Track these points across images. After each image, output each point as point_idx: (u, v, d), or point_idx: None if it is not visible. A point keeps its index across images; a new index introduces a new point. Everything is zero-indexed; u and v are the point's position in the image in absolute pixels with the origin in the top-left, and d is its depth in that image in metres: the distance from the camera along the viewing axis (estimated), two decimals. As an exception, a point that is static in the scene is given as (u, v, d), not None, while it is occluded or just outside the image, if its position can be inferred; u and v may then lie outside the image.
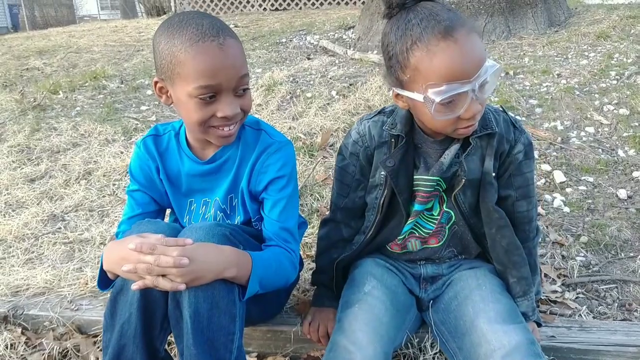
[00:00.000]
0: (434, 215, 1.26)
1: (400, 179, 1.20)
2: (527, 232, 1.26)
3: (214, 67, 1.02)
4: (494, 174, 1.17)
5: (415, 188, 1.23)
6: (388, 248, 1.33)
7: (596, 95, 2.89)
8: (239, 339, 1.06)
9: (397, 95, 1.11)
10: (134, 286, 0.98)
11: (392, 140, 1.20)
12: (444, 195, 1.23)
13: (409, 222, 1.26)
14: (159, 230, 1.04)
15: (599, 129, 2.59)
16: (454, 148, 1.18)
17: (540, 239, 1.29)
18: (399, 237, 1.30)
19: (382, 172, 1.21)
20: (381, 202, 1.24)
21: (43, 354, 1.41)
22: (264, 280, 1.09)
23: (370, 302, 1.18)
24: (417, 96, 1.04)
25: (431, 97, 1.01)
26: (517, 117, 2.73)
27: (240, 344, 1.07)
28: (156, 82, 1.11)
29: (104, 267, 1.06)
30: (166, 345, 1.39)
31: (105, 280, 1.09)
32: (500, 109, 1.22)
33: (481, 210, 1.21)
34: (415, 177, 1.22)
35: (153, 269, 0.95)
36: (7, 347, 1.43)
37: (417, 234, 1.29)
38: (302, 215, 1.91)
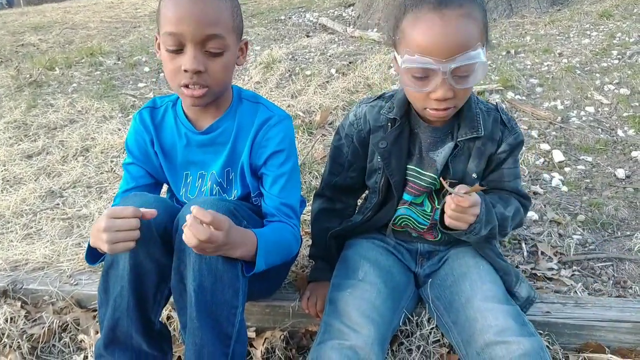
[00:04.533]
0: (426, 212, 1.28)
1: (393, 161, 1.21)
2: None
3: (178, 14, 1.02)
4: (475, 176, 1.19)
5: (408, 177, 1.23)
6: (390, 226, 1.34)
7: (597, 75, 2.87)
8: (241, 313, 1.07)
9: (394, 59, 1.12)
10: None
11: (389, 123, 1.20)
12: (434, 195, 1.25)
13: (398, 207, 1.27)
14: (145, 202, 1.05)
15: (599, 109, 2.58)
16: (448, 147, 1.19)
17: (524, 215, 1.28)
18: (394, 222, 1.31)
19: (379, 157, 1.22)
20: (380, 185, 1.25)
21: (43, 328, 1.42)
22: (268, 258, 1.09)
23: (362, 287, 1.19)
24: (399, 60, 1.06)
25: (403, 64, 1.03)
26: (518, 97, 2.72)
27: (243, 317, 1.08)
28: (156, 38, 1.12)
29: (91, 243, 1.05)
30: (165, 320, 1.41)
31: (93, 255, 1.08)
32: (494, 106, 1.22)
33: None
34: (409, 166, 1.22)
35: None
36: (7, 321, 1.44)
37: (411, 227, 1.31)
38: (301, 193, 1.92)
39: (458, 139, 1.17)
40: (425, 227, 1.29)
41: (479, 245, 1.25)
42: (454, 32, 0.99)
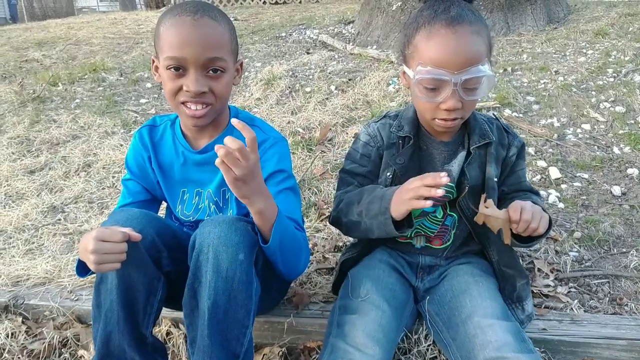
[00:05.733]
0: (437, 218, 1.30)
1: (409, 177, 1.22)
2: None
3: (181, 39, 1.06)
4: (495, 179, 1.24)
5: None
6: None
7: (593, 93, 2.91)
8: (251, 333, 1.08)
9: (403, 73, 1.19)
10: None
11: (400, 141, 1.25)
12: (447, 202, 1.28)
13: (416, 221, 1.29)
14: (130, 217, 1.09)
15: (595, 126, 2.61)
16: (461, 156, 1.24)
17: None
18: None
19: (389, 173, 1.25)
20: None
21: (43, 343, 1.43)
22: (283, 236, 1.08)
23: (367, 308, 1.20)
24: (411, 73, 1.13)
25: (416, 76, 1.10)
26: (515, 114, 2.75)
27: (251, 337, 1.10)
28: (153, 61, 1.17)
29: (80, 257, 1.07)
30: (165, 336, 1.42)
31: (83, 267, 1.09)
32: (494, 116, 1.31)
33: None
34: None
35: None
36: (7, 336, 1.45)
37: (422, 233, 1.33)
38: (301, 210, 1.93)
39: (471, 147, 1.23)
40: (435, 231, 1.31)
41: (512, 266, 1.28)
42: (465, 47, 1.08)
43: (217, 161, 0.93)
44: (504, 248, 1.28)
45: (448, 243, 1.33)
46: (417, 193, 1.04)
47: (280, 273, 1.16)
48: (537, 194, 1.34)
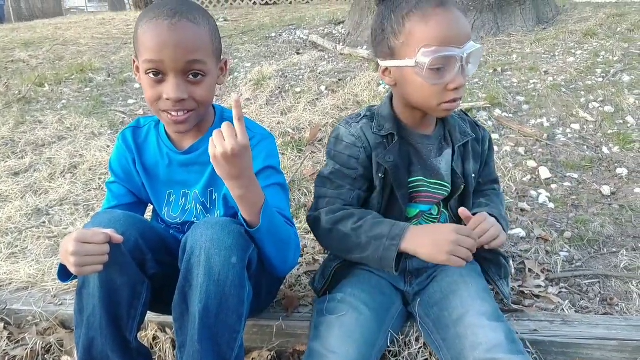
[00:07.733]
0: (433, 215, 1.30)
1: (401, 174, 1.22)
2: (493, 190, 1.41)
3: (158, 43, 1.03)
4: (474, 175, 1.27)
5: (417, 189, 1.25)
6: None
7: (582, 93, 2.92)
8: (242, 338, 1.06)
9: (385, 70, 1.17)
10: None
11: (384, 140, 1.22)
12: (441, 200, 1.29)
13: (413, 222, 1.27)
14: (113, 219, 1.06)
15: (585, 126, 2.62)
16: (447, 153, 1.25)
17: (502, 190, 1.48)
18: None
19: (380, 174, 1.22)
20: (383, 204, 1.25)
21: (26, 349, 1.39)
22: (272, 221, 1.06)
23: (344, 309, 1.19)
24: (409, 62, 1.09)
25: (423, 59, 1.07)
26: (505, 114, 2.75)
27: (242, 342, 1.07)
28: (134, 61, 1.13)
29: (61, 261, 1.04)
30: (152, 340, 1.39)
31: (65, 272, 1.06)
32: (462, 112, 1.33)
33: (465, 205, 1.23)
34: (418, 177, 1.24)
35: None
36: (-11, 342, 1.41)
37: None
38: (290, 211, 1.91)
39: (456, 145, 1.25)
40: None
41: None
42: (463, 23, 1.10)
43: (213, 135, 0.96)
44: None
45: None
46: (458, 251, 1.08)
47: (271, 266, 1.13)
48: (497, 182, 1.43)
